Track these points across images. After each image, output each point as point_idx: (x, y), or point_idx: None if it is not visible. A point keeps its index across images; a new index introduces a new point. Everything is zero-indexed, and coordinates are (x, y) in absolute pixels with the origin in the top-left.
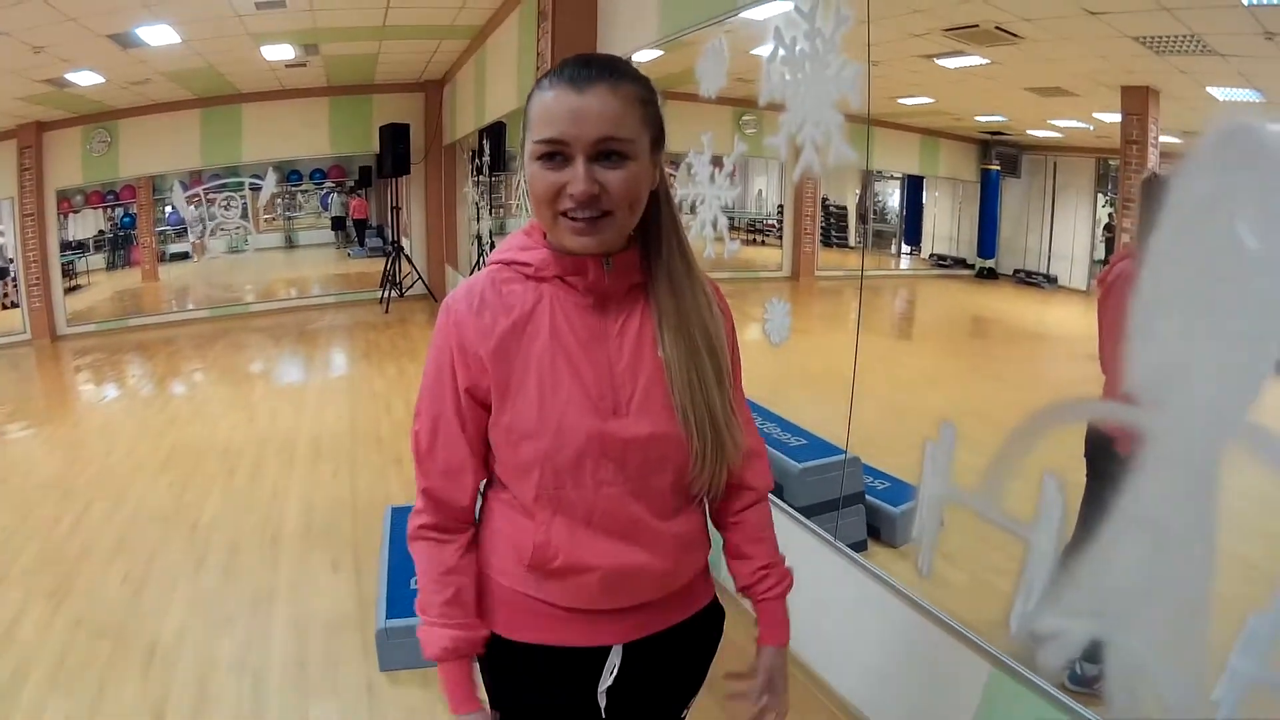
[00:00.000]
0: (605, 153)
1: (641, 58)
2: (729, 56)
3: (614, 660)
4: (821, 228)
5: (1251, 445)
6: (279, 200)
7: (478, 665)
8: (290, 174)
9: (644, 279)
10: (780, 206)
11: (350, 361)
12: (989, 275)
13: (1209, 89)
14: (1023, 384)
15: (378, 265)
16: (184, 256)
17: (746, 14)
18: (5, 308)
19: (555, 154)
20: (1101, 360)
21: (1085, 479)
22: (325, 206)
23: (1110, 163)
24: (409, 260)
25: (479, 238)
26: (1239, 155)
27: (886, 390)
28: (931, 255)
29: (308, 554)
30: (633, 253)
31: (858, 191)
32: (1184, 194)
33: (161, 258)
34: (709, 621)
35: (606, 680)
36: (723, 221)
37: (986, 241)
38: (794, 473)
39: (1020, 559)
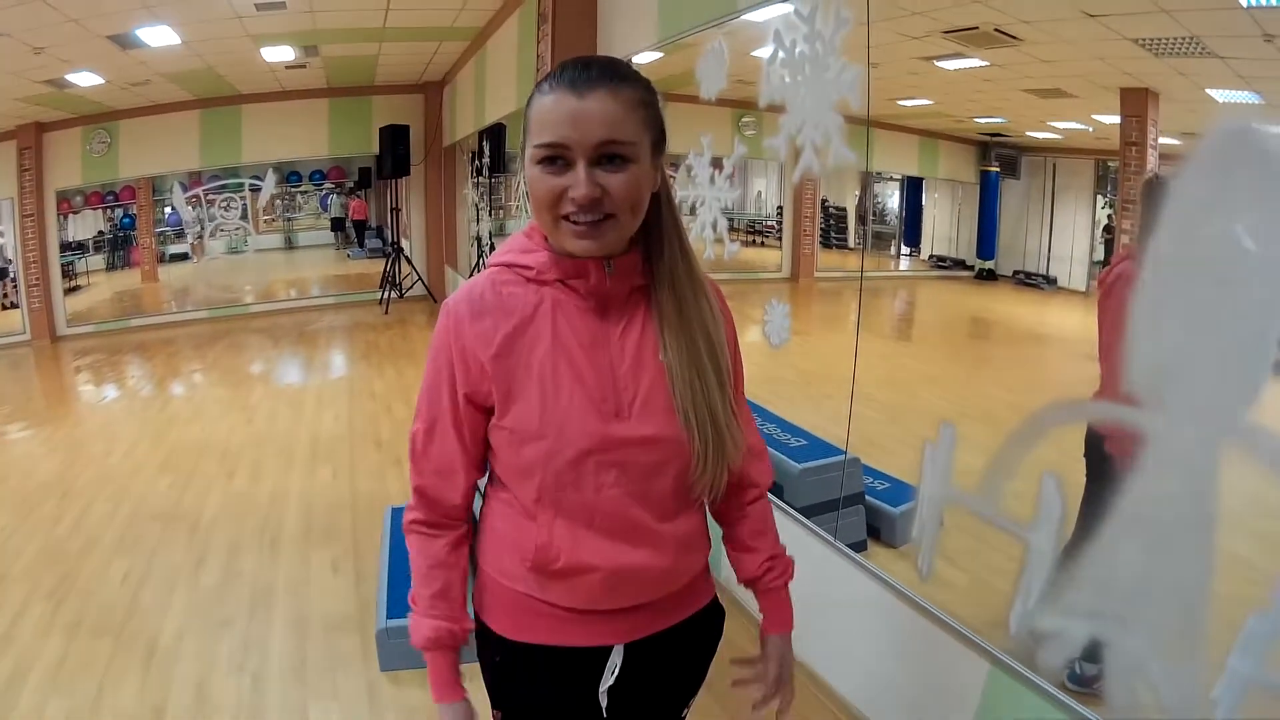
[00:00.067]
0: (606, 156)
1: (641, 59)
2: (729, 58)
3: (615, 660)
4: (821, 229)
5: (1250, 446)
6: (278, 201)
7: (490, 667)
8: (290, 175)
9: (646, 281)
10: (780, 208)
11: (350, 362)
12: (988, 276)
13: (1208, 91)
14: (1022, 385)
15: (377, 266)
16: (183, 257)
17: (746, 16)
18: (5, 308)
19: (556, 158)
20: (1101, 360)
21: (1085, 479)
22: (325, 207)
23: (1109, 164)
24: (409, 261)
25: (478, 239)
26: (1237, 158)
27: (886, 391)
28: (931, 256)
29: (307, 554)
30: (634, 255)
31: (857, 193)
32: (1183, 196)
33: (161, 258)
34: (709, 621)
35: (608, 680)
36: (722, 223)
37: (986, 243)
38: (794, 473)
39: (1020, 559)
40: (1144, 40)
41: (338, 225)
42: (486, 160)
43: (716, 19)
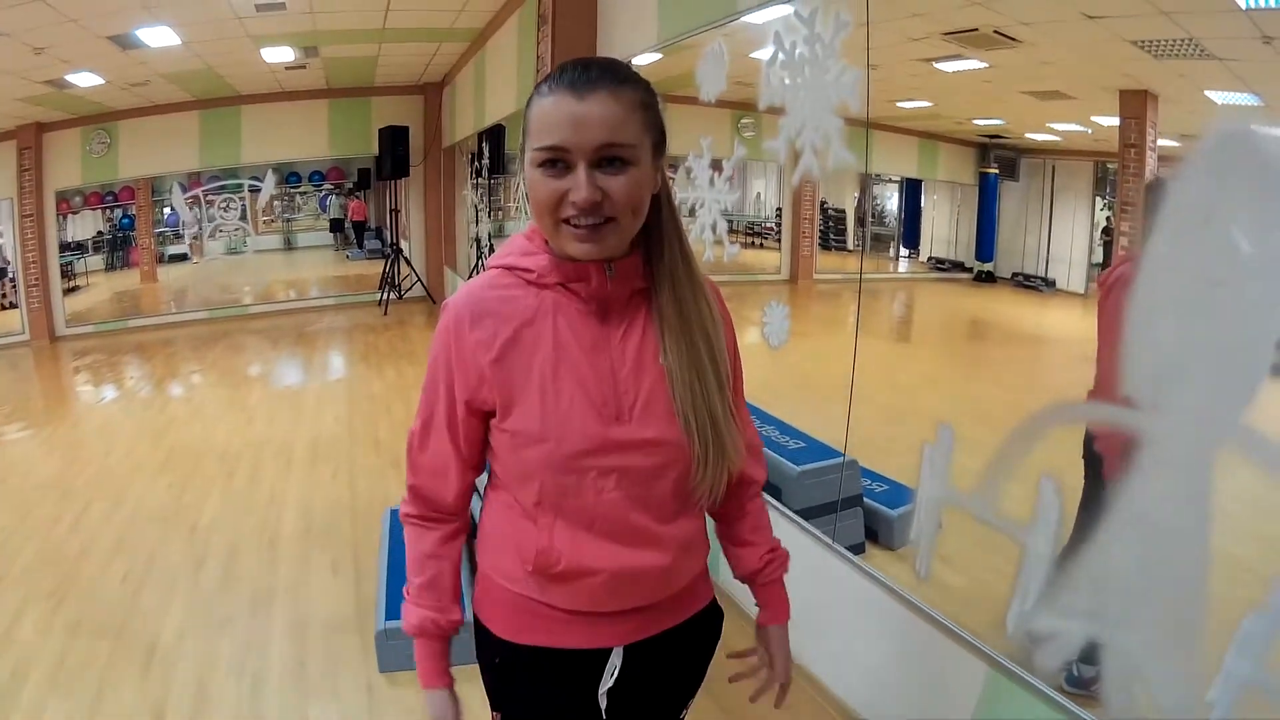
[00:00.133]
0: (607, 159)
1: (641, 61)
2: (728, 60)
3: (615, 662)
4: (820, 231)
5: (1246, 448)
6: (277, 202)
7: (490, 669)
8: (289, 176)
9: (646, 284)
10: (779, 210)
11: (349, 363)
12: (987, 278)
13: (1207, 93)
14: (1020, 387)
15: (376, 267)
16: (182, 258)
17: (746, 18)
18: (4, 308)
19: (556, 161)
20: (1099, 361)
21: (1083, 481)
22: (324, 208)
23: (1108, 166)
24: (408, 262)
25: (478, 240)
26: (1234, 160)
27: (885, 393)
28: (930, 258)
29: (307, 555)
30: (635, 258)
31: (856, 195)
32: (1180, 198)
33: (160, 259)
34: (708, 622)
35: (607, 682)
36: (722, 225)
37: (985, 245)
38: (792, 475)
39: (1017, 561)
40: (1143, 42)
41: (337, 226)
42: (486, 161)
43: (716, 21)
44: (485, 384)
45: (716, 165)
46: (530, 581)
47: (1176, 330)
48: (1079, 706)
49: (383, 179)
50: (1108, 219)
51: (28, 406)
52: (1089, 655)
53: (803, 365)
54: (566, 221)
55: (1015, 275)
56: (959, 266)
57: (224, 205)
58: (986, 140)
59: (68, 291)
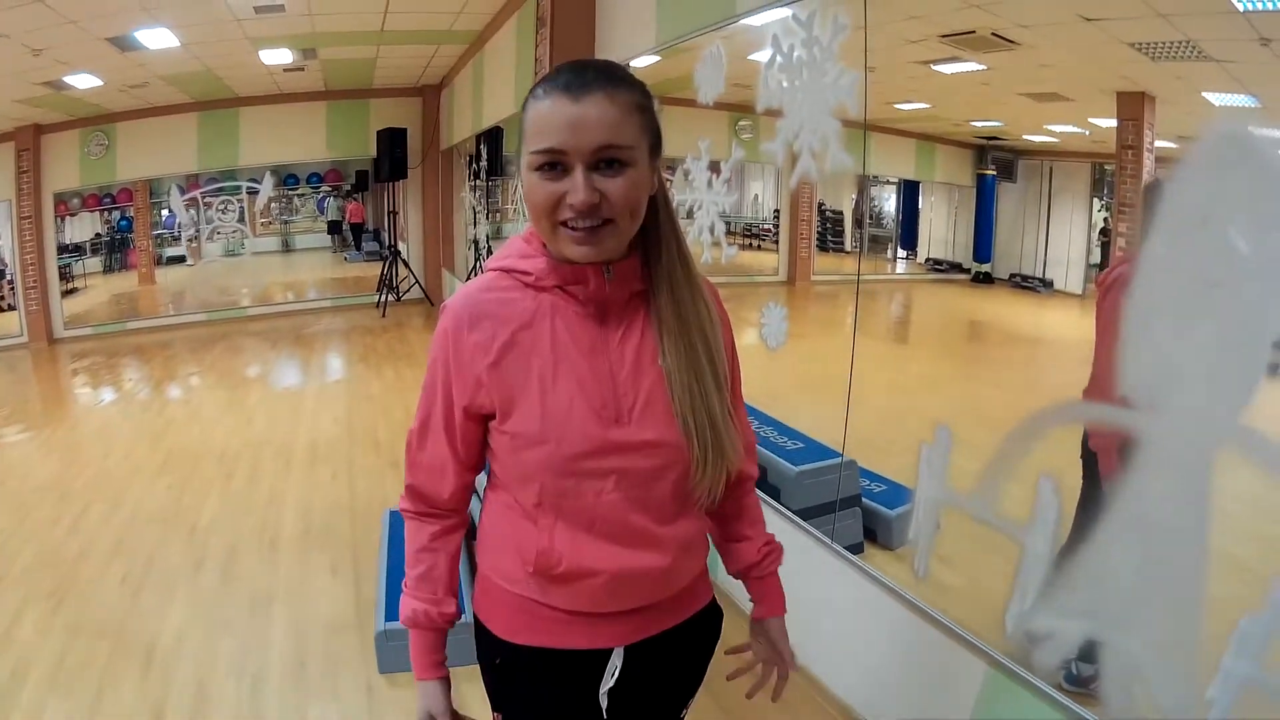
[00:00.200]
0: (605, 161)
1: (639, 63)
2: (727, 63)
3: (615, 662)
4: (818, 232)
5: (1244, 448)
6: (275, 204)
7: (490, 669)
8: (287, 178)
9: (644, 286)
10: (776, 211)
11: (347, 365)
12: (985, 280)
13: (1205, 94)
14: (1018, 388)
15: (374, 269)
16: (181, 260)
17: (744, 21)
18: (2, 310)
19: (553, 164)
20: (1095, 362)
21: (1082, 481)
22: (322, 210)
23: (1106, 168)
24: (406, 265)
25: (476, 242)
26: (1231, 161)
27: (883, 394)
28: (927, 260)
29: (306, 557)
30: (633, 260)
31: (854, 196)
32: (1178, 199)
33: (158, 261)
34: (708, 622)
35: (608, 682)
36: (719, 227)
37: (982, 246)
38: (791, 476)
39: (1016, 561)
40: (1140, 44)
41: (334, 228)
42: (484, 163)
43: (715, 23)
44: (483, 389)
45: (714, 167)
46: (531, 582)
47: (1174, 331)
48: (1078, 705)
49: (381, 181)
50: (1105, 220)
51: (26, 409)
52: (1088, 654)
53: (801, 366)
54: (564, 224)
55: (1013, 276)
56: (957, 268)
57: (222, 207)
58: (984, 142)
59: (66, 294)
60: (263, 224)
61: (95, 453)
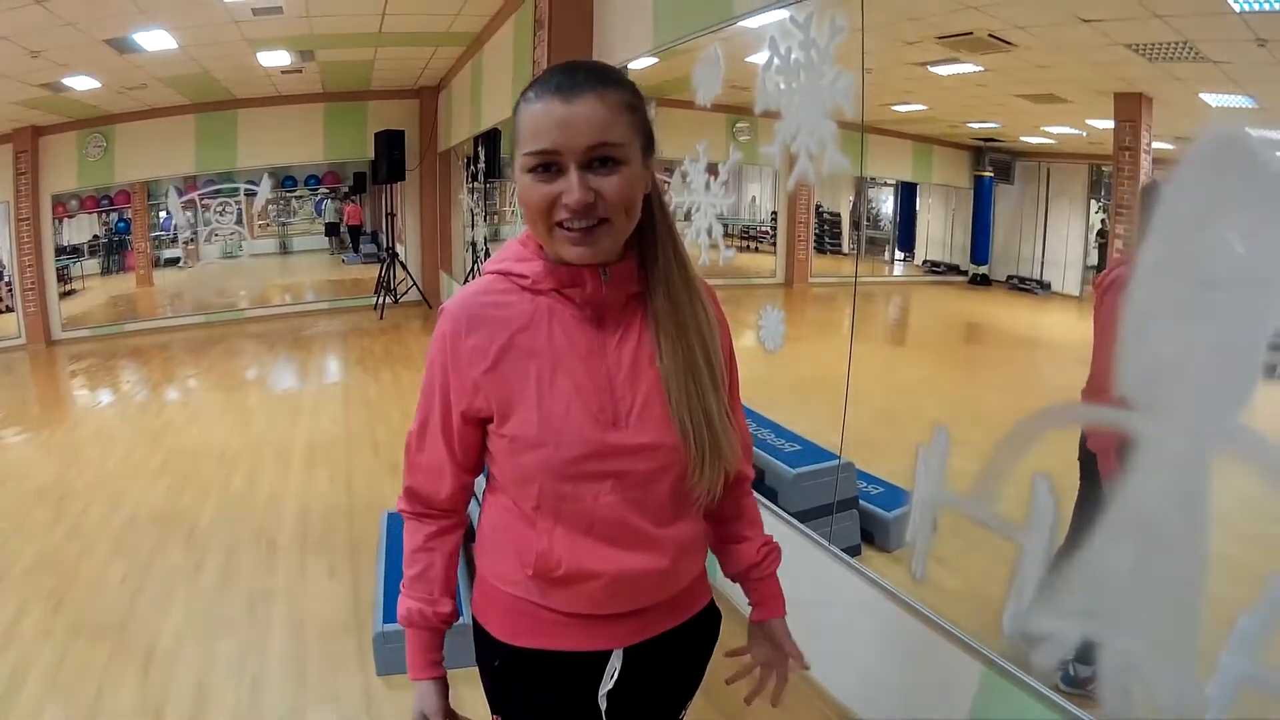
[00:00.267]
0: (598, 159)
1: (637, 65)
2: (724, 65)
3: (614, 664)
4: (815, 234)
5: (1241, 448)
6: (273, 206)
7: (490, 672)
8: (285, 180)
9: (641, 288)
10: (774, 213)
11: (345, 367)
12: (982, 281)
13: (1202, 95)
14: (1016, 389)
15: (372, 271)
16: (175, 262)
17: (742, 23)
18: (0, 312)
19: (547, 165)
20: (1095, 364)
21: (1079, 482)
22: (319, 212)
23: (1103, 169)
24: (404, 267)
25: (473, 244)
26: (1227, 162)
27: (880, 396)
28: (925, 262)
29: (304, 558)
30: (630, 262)
31: (851, 198)
32: (1174, 200)
33: (156, 263)
34: (707, 624)
35: (607, 684)
36: (717, 229)
37: (980, 248)
38: (788, 478)
39: (1013, 562)
40: (1137, 45)
41: (332, 230)
42: (482, 165)
43: (712, 25)
44: (480, 393)
45: (712, 169)
46: (530, 585)
47: (1171, 332)
48: (1076, 706)
49: (378, 183)
50: (1103, 221)
51: (25, 411)
52: (1085, 655)
53: (798, 368)
54: (560, 225)
55: (1010, 278)
56: (954, 269)
57: (220, 209)
58: (981, 143)
59: (64, 295)
60: (260, 226)
61: (94, 454)
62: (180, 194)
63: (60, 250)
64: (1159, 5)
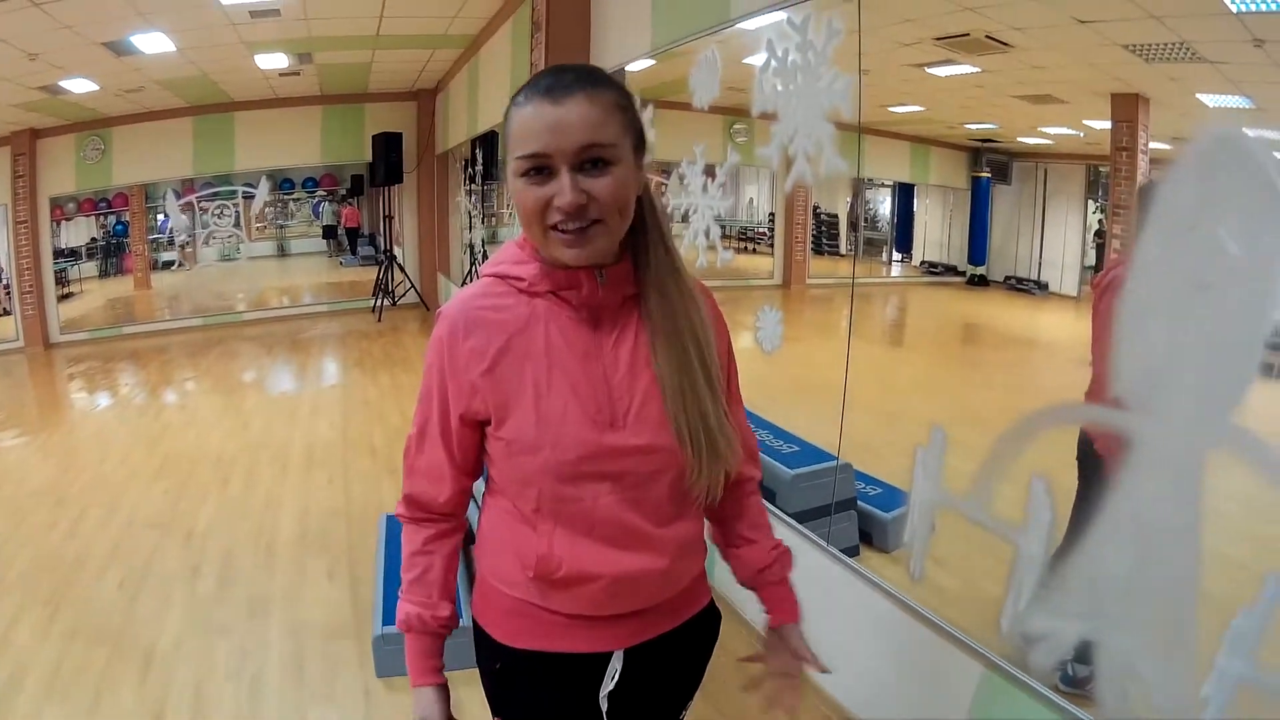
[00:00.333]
0: (590, 161)
1: (634, 68)
2: (722, 66)
3: (615, 665)
4: (813, 235)
5: (1237, 448)
6: (270, 209)
7: (490, 674)
8: (283, 182)
9: (637, 290)
10: (772, 214)
11: (343, 370)
12: (980, 282)
13: (1199, 96)
14: (1013, 389)
15: (370, 274)
16: (171, 265)
17: (739, 25)
18: None
19: (539, 168)
20: (1093, 363)
21: (1077, 483)
22: (317, 215)
23: (1100, 169)
24: (401, 269)
25: (471, 246)
26: (1223, 163)
27: (878, 397)
28: (922, 262)
29: (303, 561)
30: (625, 264)
31: (849, 199)
32: (1170, 201)
33: (154, 266)
34: (707, 624)
35: (608, 685)
36: (715, 231)
37: (977, 248)
38: (786, 479)
39: (1011, 562)
40: (1134, 46)
41: (329, 233)
42: (479, 168)
43: (710, 28)
44: (478, 395)
45: (710, 171)
46: (531, 587)
47: (1167, 332)
48: (1074, 706)
49: (376, 185)
50: (1100, 222)
51: (22, 413)
52: (1083, 655)
53: (796, 370)
54: (554, 228)
55: (1008, 279)
56: (951, 270)
57: (217, 212)
58: (979, 144)
59: (62, 298)
60: (258, 229)
61: (91, 458)
62: (178, 197)
63: (58, 253)
64: (1156, 6)
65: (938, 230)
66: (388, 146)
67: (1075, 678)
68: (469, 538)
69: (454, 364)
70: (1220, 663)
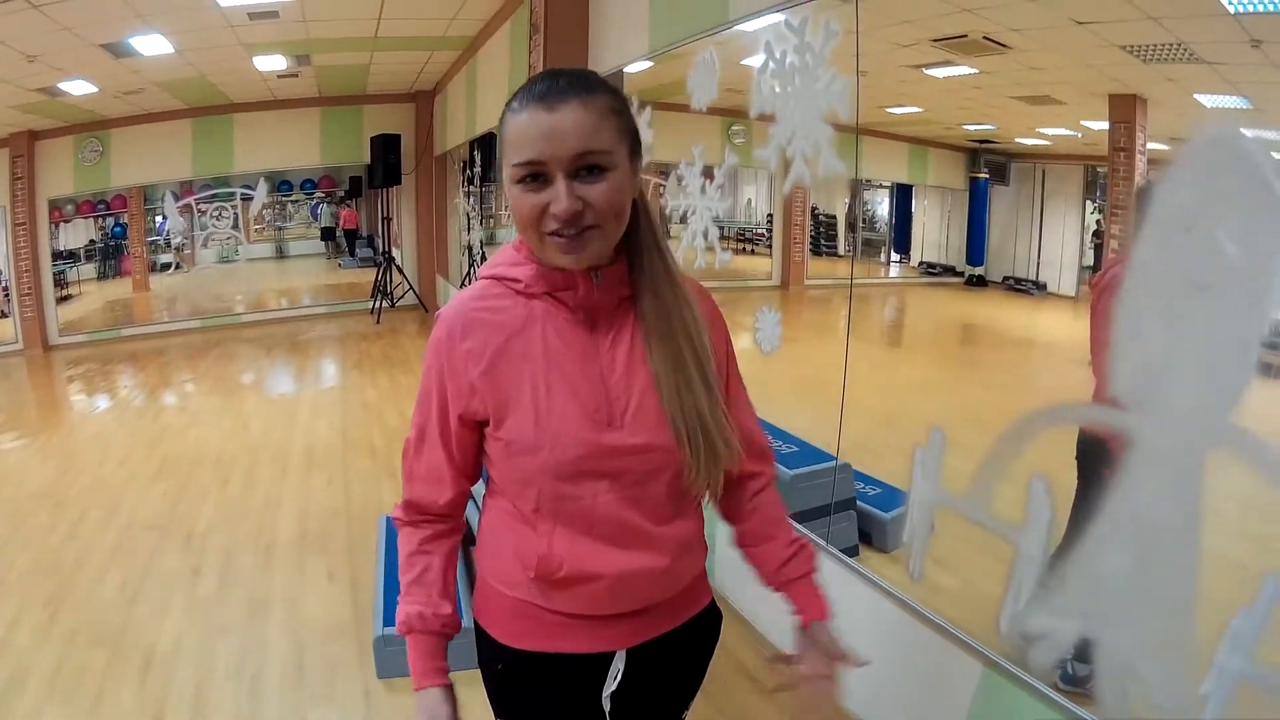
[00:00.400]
0: (585, 167)
1: (632, 69)
2: (720, 68)
3: (618, 665)
4: (811, 236)
5: (1235, 447)
6: (269, 210)
7: (493, 676)
8: (281, 184)
9: (632, 291)
10: (770, 215)
11: (342, 371)
12: (978, 282)
13: (1196, 96)
14: (1012, 389)
15: (368, 275)
16: (168, 267)
17: (737, 27)
18: None
19: (535, 175)
20: (1093, 363)
21: (1076, 483)
22: (315, 217)
23: (1098, 170)
24: (400, 271)
25: (470, 248)
26: (1220, 164)
27: (876, 397)
28: (921, 263)
29: (303, 563)
30: (620, 266)
31: (847, 200)
32: (1167, 202)
33: (152, 268)
34: (708, 623)
35: (610, 685)
36: (713, 232)
37: (975, 249)
38: (785, 480)
39: (1010, 561)
40: (1132, 47)
41: (328, 234)
42: (478, 169)
43: (708, 29)
44: (476, 394)
45: (708, 172)
46: (532, 587)
47: (1165, 332)
48: (1074, 704)
49: (374, 187)
50: (1098, 222)
51: (21, 416)
52: (1083, 654)
53: (795, 370)
54: (551, 234)
55: (1006, 279)
56: (950, 271)
57: (216, 214)
58: (977, 145)
59: (60, 300)
60: (256, 230)
61: (91, 459)
62: (176, 199)
63: (57, 255)
64: (1153, 7)
65: (936, 231)
66: (386, 148)
67: (1075, 676)
68: (469, 539)
69: (452, 365)
70: (1220, 660)
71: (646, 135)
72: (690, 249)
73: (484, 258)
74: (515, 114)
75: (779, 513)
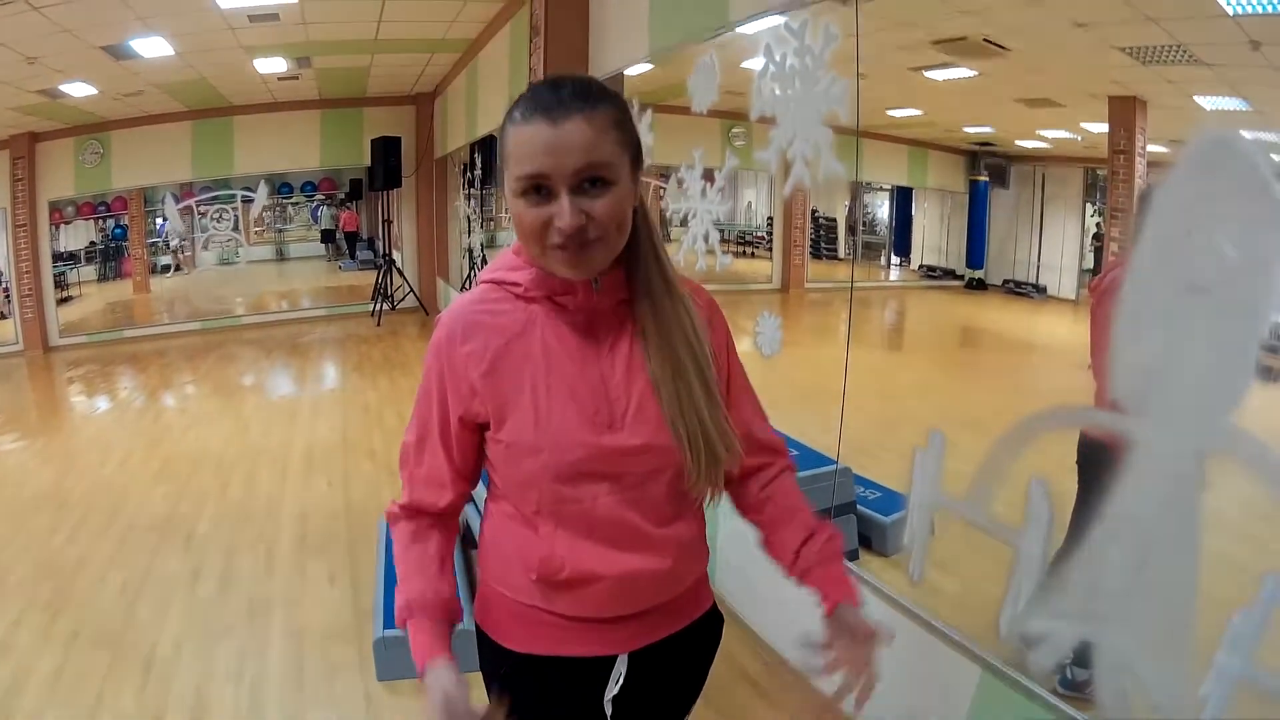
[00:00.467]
0: (588, 180)
1: (632, 72)
2: (720, 71)
3: (620, 669)
4: (811, 240)
5: (1234, 449)
6: (269, 213)
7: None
8: (281, 186)
9: (630, 296)
10: (770, 219)
11: (342, 374)
12: (978, 286)
13: (1196, 98)
14: (1011, 392)
15: (369, 278)
16: (174, 269)
17: (737, 29)
18: None
19: (538, 188)
20: (1093, 366)
21: (1076, 485)
22: (316, 219)
23: (1098, 173)
24: (400, 273)
25: (470, 251)
26: (1219, 166)
27: (876, 401)
28: (921, 266)
29: (303, 565)
30: (618, 270)
31: (847, 203)
32: (1165, 204)
33: (153, 269)
34: (709, 627)
35: (613, 689)
36: (714, 235)
37: (975, 252)
38: None
39: (1009, 564)
40: (1131, 49)
41: (328, 237)
42: (478, 172)
43: (708, 32)
44: (477, 396)
45: (708, 175)
46: (534, 590)
47: (1165, 335)
48: (1073, 709)
49: (375, 189)
50: (1098, 225)
51: (22, 417)
52: (1082, 657)
53: (795, 374)
54: (555, 246)
55: (1006, 282)
56: (950, 274)
57: (216, 216)
58: (976, 148)
59: (61, 302)
60: (257, 233)
61: (91, 461)
62: (177, 200)
63: (57, 256)
64: (1153, 9)
65: (936, 234)
66: (386, 150)
67: (1074, 681)
68: (470, 541)
69: (452, 367)
70: (1219, 662)
71: (647, 138)
72: (691, 252)
73: (484, 260)
74: (518, 125)
75: (794, 500)
